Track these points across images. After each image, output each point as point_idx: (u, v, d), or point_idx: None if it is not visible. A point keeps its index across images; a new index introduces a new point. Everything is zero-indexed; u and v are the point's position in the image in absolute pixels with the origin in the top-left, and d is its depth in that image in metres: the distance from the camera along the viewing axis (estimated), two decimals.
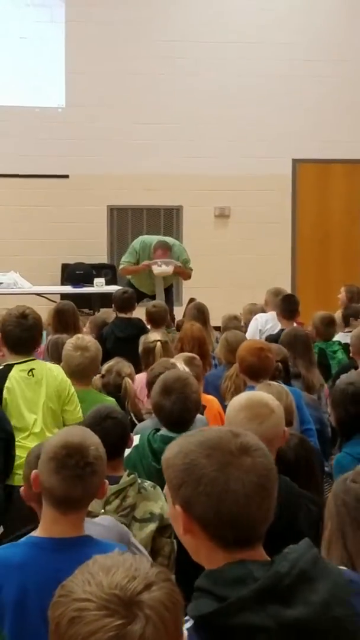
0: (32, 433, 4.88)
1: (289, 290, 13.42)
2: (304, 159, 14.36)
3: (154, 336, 7.00)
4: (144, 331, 7.96)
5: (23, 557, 2.73)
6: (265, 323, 8.94)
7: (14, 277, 11.56)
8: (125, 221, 14.08)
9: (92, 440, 2.88)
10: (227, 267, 13.87)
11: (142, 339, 7.06)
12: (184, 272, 10.92)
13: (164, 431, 4.36)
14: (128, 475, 3.91)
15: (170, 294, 11.07)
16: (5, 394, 4.93)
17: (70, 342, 5.61)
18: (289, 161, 14.32)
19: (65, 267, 13.40)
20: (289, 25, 14.14)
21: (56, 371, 5.14)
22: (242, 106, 14.02)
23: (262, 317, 9.08)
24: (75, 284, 12.30)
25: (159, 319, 8.12)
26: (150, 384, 5.08)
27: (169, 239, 11.15)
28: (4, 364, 5.12)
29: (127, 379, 5.98)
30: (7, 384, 4.95)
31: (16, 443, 4.80)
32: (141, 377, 6.40)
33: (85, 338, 5.85)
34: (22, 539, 2.83)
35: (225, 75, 13.97)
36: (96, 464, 2.81)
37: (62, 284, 12.99)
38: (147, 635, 1.41)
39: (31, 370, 5.00)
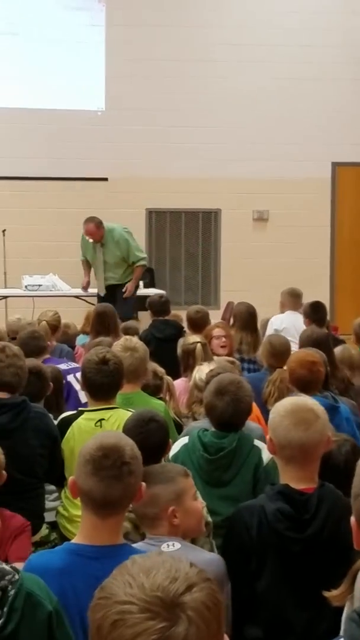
0: None
1: (327, 295, 13.37)
2: (344, 162, 14.27)
3: (194, 338, 6.98)
4: (182, 332, 7.95)
5: (63, 563, 2.73)
6: (281, 323, 9.06)
7: (53, 279, 11.61)
8: (164, 224, 14.07)
9: (127, 441, 2.88)
10: (265, 270, 13.81)
11: (181, 341, 7.03)
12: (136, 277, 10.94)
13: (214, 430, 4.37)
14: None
15: (128, 301, 10.78)
16: (63, 443, 4.79)
17: (119, 344, 5.57)
18: (328, 164, 14.24)
19: None
20: (328, 26, 14.06)
21: None
22: (281, 109, 13.96)
23: (278, 318, 9.19)
24: None
25: (201, 324, 8.08)
26: (206, 383, 5.05)
27: (111, 227, 11.05)
28: (79, 409, 5.00)
29: (169, 378, 5.95)
30: (69, 433, 4.82)
31: (64, 494, 4.74)
32: (179, 383, 6.38)
33: (133, 339, 5.81)
34: (60, 546, 2.82)
35: (264, 77, 13.91)
36: (133, 463, 2.80)
37: None
38: (190, 636, 1.39)
39: (100, 420, 4.78)
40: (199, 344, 6.70)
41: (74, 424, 4.84)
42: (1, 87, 13.50)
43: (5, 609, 2.35)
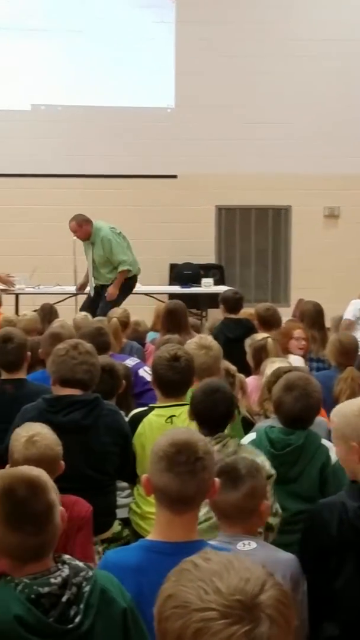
0: None
1: None
2: None
3: (261, 335, 6.93)
4: (254, 331, 7.87)
5: (138, 560, 2.72)
6: None
7: None
8: (233, 221, 14.03)
9: (199, 437, 2.87)
10: (336, 267, 13.68)
11: (248, 341, 6.97)
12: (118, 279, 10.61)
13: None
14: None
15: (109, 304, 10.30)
16: (134, 439, 4.79)
17: (194, 342, 5.55)
18: None
19: (173, 267, 13.43)
20: None
21: None
22: (352, 105, 13.83)
23: (358, 302, 9.18)
24: (183, 284, 12.32)
25: (271, 321, 8.02)
26: (275, 379, 5.05)
27: (99, 225, 10.76)
28: (150, 405, 5.01)
29: (241, 376, 5.92)
30: (140, 428, 4.82)
31: (137, 491, 4.75)
32: (250, 381, 6.34)
33: (208, 338, 5.79)
34: (135, 543, 2.82)
35: (335, 74, 13.79)
36: (206, 459, 2.78)
37: (170, 284, 13.03)
38: (273, 635, 1.39)
39: (171, 417, 4.77)
40: (269, 339, 6.66)
41: (145, 420, 4.84)
42: (72, 86, 13.58)
43: (81, 606, 2.35)
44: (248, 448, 3.96)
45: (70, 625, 2.33)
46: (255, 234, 14.10)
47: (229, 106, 13.65)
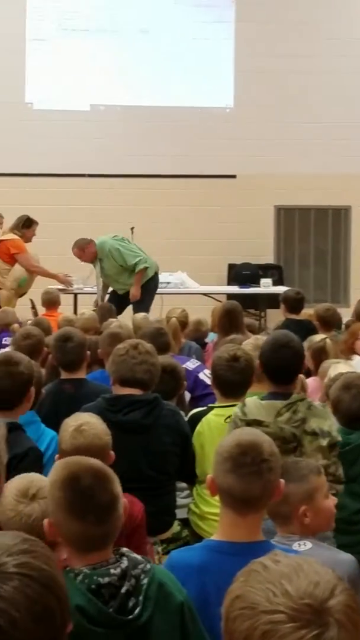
0: None
1: None
2: None
3: (320, 336, 6.88)
4: (314, 332, 7.81)
5: (202, 559, 2.72)
6: None
7: (182, 277, 11.63)
8: (292, 221, 13.96)
9: (264, 438, 2.85)
10: None
11: (306, 343, 6.90)
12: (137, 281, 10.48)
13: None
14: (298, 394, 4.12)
15: (140, 302, 10.32)
16: (194, 438, 4.78)
17: (250, 343, 5.52)
18: None
19: (231, 267, 13.40)
20: None
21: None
22: None
23: None
24: (241, 284, 12.28)
25: (332, 322, 7.96)
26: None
27: (101, 241, 10.66)
28: (209, 405, 5.00)
29: (302, 377, 5.88)
30: (199, 428, 4.82)
31: (196, 491, 4.73)
32: (310, 382, 6.29)
33: (263, 339, 5.76)
34: (200, 543, 2.82)
35: None
36: (272, 460, 2.77)
37: (229, 284, 12.99)
38: None
39: (230, 417, 4.67)
40: (327, 340, 6.61)
41: (204, 419, 4.84)
42: (131, 86, 13.62)
43: (140, 597, 2.34)
44: (318, 410, 4.02)
45: (130, 617, 2.33)
46: (314, 234, 14.01)
47: (287, 106, 13.59)
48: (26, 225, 11.06)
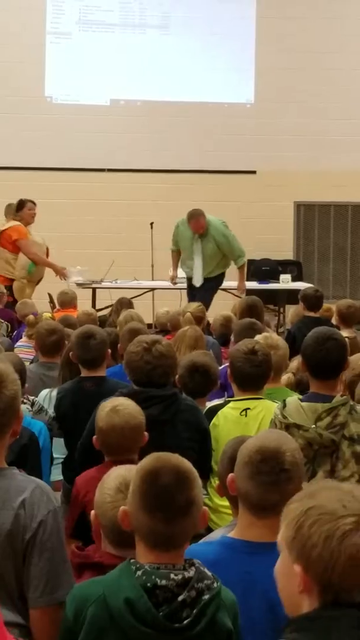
0: None
1: None
2: None
3: (342, 332, 6.85)
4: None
5: (216, 555, 2.71)
6: None
7: None
8: (312, 218, 13.92)
9: (289, 446, 2.78)
10: None
11: None
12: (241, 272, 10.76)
13: None
14: (341, 395, 4.04)
15: (210, 283, 10.56)
16: (211, 430, 4.75)
17: (259, 339, 5.51)
18: None
19: (251, 263, 13.35)
20: None
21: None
22: None
23: None
24: (261, 279, 12.26)
25: (352, 319, 7.93)
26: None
27: (213, 219, 10.65)
28: (226, 399, 4.97)
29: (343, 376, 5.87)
30: (215, 420, 4.80)
31: (210, 485, 4.68)
32: None
33: (274, 336, 5.74)
34: (217, 539, 2.82)
35: None
36: (292, 470, 2.72)
37: (248, 279, 12.94)
38: None
39: (246, 409, 4.75)
40: (347, 339, 6.57)
41: (220, 412, 4.82)
42: (151, 81, 13.61)
43: (194, 611, 2.30)
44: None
45: (177, 625, 2.27)
46: (334, 231, 13.97)
47: (308, 102, 13.55)
48: (19, 207, 11.05)
